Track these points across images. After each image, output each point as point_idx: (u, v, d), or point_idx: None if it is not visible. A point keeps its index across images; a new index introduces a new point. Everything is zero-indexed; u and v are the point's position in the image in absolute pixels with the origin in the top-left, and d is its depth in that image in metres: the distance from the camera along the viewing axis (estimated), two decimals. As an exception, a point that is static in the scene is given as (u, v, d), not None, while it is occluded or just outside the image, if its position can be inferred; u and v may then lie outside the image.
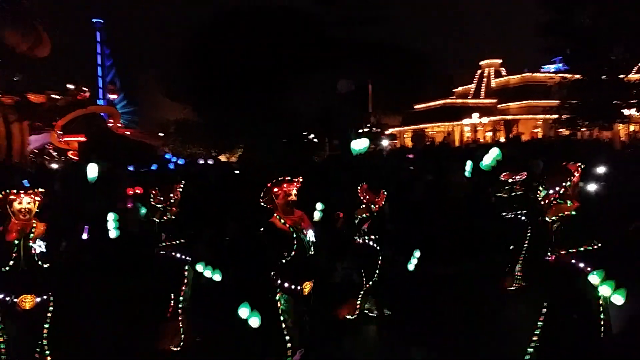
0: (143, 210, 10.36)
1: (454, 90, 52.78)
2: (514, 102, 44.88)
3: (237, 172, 16.64)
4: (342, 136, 26.61)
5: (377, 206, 7.20)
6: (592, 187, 9.51)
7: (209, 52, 33.72)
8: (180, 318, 6.17)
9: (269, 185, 5.12)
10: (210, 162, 17.28)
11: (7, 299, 4.68)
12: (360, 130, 30.70)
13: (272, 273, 5.03)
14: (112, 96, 71.31)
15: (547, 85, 37.80)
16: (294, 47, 32.91)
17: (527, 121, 44.09)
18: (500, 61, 50.45)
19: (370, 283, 7.01)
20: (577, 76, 29.59)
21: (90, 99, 43.00)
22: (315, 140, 35.66)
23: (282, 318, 4.97)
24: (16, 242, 4.71)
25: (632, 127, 36.47)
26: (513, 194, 8.24)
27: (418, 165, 16.27)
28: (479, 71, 50.89)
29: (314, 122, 34.07)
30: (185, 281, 6.28)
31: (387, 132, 46.06)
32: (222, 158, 33.27)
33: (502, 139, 40.32)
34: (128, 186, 10.92)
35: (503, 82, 48.43)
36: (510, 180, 8.19)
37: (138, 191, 10.88)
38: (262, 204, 5.17)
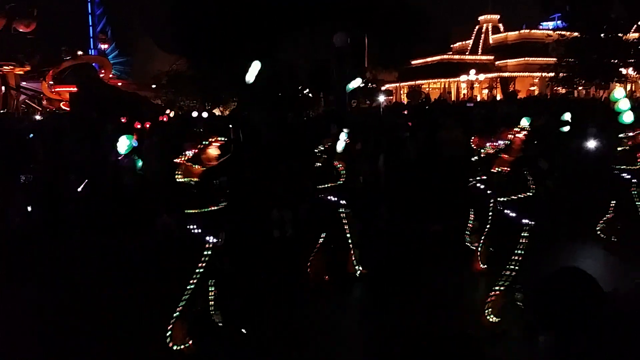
0: (139, 163, 10.32)
1: (451, 45, 52.08)
2: (511, 59, 44.43)
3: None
4: (338, 91, 26.34)
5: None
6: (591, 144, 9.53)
7: (203, 1, 32.95)
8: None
9: None
10: (204, 115, 17.10)
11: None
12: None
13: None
14: (103, 46, 69.92)
15: (545, 43, 37.34)
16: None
17: (524, 79, 43.76)
18: (498, 17, 49.64)
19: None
20: (576, 34, 29.23)
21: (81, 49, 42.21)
22: (310, 95, 35.31)
23: None
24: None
25: (629, 87, 36.27)
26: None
27: (413, 122, 16.15)
28: (477, 27, 50.12)
29: (310, 76, 33.65)
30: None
31: (383, 88, 45.69)
32: (216, 112, 32.95)
33: (499, 97, 40.11)
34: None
35: (501, 39, 47.79)
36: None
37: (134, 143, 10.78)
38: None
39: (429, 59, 47.16)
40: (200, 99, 34.88)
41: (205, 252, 4.81)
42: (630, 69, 29.51)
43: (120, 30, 73.65)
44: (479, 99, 38.34)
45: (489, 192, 6.30)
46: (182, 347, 4.85)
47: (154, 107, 27.21)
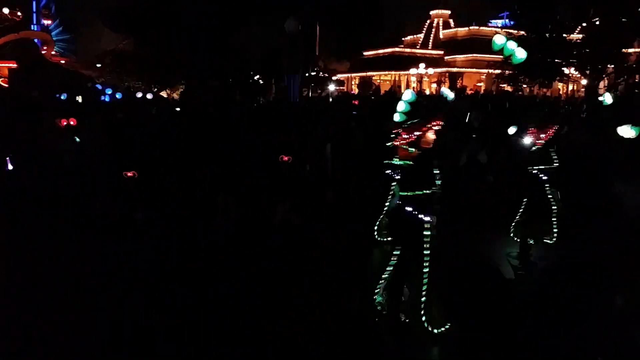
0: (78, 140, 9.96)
1: (403, 39, 52.59)
2: (460, 55, 45.20)
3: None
4: (289, 78, 26.20)
5: None
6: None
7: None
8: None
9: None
10: (149, 96, 16.64)
11: None
12: (307, 74, 30.27)
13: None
14: (47, 22, 67.03)
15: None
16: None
17: (472, 74, 44.66)
18: (449, 12, 50.41)
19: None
20: (522, 32, 30.03)
21: (23, 23, 40.38)
22: (261, 81, 35.00)
23: None
24: None
25: (570, 86, 37.63)
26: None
27: (362, 112, 16.26)
28: (428, 21, 50.79)
29: (261, 62, 33.33)
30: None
31: (334, 78, 45.74)
32: (163, 94, 32.19)
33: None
34: (61, 117, 10.42)
35: (451, 34, 48.59)
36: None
37: (72, 122, 10.42)
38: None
39: (380, 51, 47.49)
40: (146, 80, 33.96)
41: (425, 233, 4.79)
42: (572, 68, 30.58)
43: (64, 6, 70.79)
44: (427, 92, 38.87)
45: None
46: (443, 329, 4.82)
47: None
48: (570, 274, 6.50)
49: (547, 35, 28.70)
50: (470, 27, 46.46)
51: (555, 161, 6.93)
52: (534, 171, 7.00)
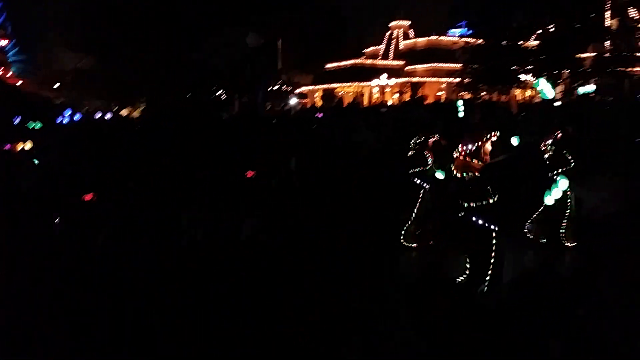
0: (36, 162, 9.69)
1: (364, 51, 53.14)
2: (421, 65, 45.88)
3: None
4: (252, 93, 26.14)
5: None
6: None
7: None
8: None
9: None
10: (108, 116, 16.36)
11: None
12: (270, 88, 30.27)
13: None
14: (3, 42, 65.60)
15: (452, 50, 38.87)
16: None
17: (432, 84, 45.33)
18: (409, 23, 51.19)
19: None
20: (480, 41, 30.67)
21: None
22: (224, 96, 34.78)
23: None
24: None
25: (528, 92, 38.46)
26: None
27: (327, 124, 16.32)
28: (389, 33, 51.46)
29: (223, 77, 33.14)
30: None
31: (297, 91, 45.82)
32: (124, 112, 31.68)
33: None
34: (15, 141, 10.13)
35: (411, 45, 49.31)
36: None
37: (27, 146, 10.14)
38: None
39: (342, 63, 47.87)
40: (106, 99, 33.41)
41: (493, 241, 5.05)
42: (530, 75, 31.29)
43: (21, 25, 69.31)
44: (390, 103, 39.27)
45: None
46: None
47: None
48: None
49: (503, 43, 29.32)
50: (430, 38, 47.25)
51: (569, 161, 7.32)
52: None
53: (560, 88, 31.04)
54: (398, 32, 50.84)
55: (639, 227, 7.85)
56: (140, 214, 8.54)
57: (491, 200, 5.08)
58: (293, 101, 32.99)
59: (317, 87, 50.02)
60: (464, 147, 5.12)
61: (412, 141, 7.80)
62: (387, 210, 9.10)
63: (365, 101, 44.87)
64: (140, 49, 30.64)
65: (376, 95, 46.60)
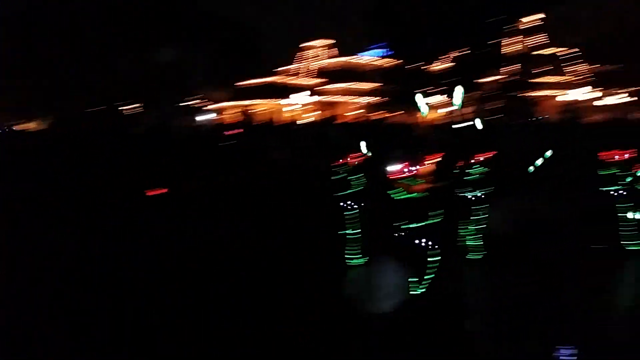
0: None
1: (279, 68, 53.08)
2: (335, 84, 46.40)
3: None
4: (162, 108, 25.15)
5: None
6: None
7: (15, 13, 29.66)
8: None
9: None
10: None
11: None
12: (182, 104, 29.36)
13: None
14: None
15: (367, 70, 39.55)
16: (110, 9, 30.26)
17: (348, 103, 45.88)
18: (325, 42, 51.72)
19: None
20: (393, 63, 31.42)
21: None
22: (132, 111, 33.41)
23: None
24: None
25: (439, 113, 39.68)
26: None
27: (241, 142, 15.84)
28: (304, 51, 51.74)
29: (132, 92, 31.83)
30: None
31: (211, 107, 44.91)
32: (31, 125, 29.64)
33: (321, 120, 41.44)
34: None
35: (326, 64, 49.79)
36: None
37: None
38: None
39: (257, 80, 47.43)
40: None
41: (432, 259, 5.21)
42: (438, 96, 32.34)
43: None
44: (305, 121, 39.24)
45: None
46: None
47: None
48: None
49: (415, 65, 30.17)
50: (345, 58, 47.92)
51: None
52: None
53: (468, 109, 32.31)
54: (314, 52, 51.26)
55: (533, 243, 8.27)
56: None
57: (431, 221, 5.16)
58: (206, 117, 32.13)
59: (232, 103, 49.19)
60: (405, 168, 5.20)
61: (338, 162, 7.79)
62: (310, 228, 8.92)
63: (281, 118, 44.67)
64: (43, 62, 28.96)
65: (291, 113, 46.55)
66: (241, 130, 19.08)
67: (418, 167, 5.24)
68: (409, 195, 5.24)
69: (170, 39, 29.38)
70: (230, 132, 17.26)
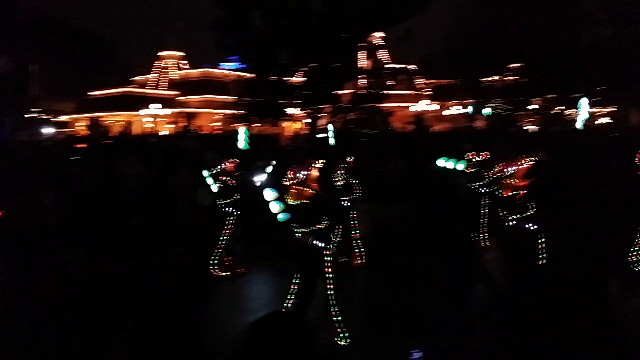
0: None
1: (133, 79, 51.12)
2: (194, 96, 45.74)
3: None
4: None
5: None
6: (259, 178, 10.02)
7: None
8: None
9: None
10: None
11: None
12: (23, 115, 27.18)
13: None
14: None
15: (225, 82, 39.39)
16: None
17: (207, 115, 45.42)
18: (182, 54, 50.77)
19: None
20: (250, 75, 31.63)
21: None
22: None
23: None
24: None
25: (297, 125, 40.62)
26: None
27: (90, 157, 15.03)
28: (161, 62, 50.37)
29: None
30: None
31: (57, 120, 42.03)
32: None
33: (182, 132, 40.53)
34: None
35: (184, 75, 48.94)
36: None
37: None
38: None
39: (110, 91, 45.27)
40: None
41: (325, 259, 5.32)
42: (297, 109, 33.14)
43: None
44: (162, 133, 38.15)
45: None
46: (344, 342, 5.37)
47: None
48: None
49: (271, 78, 30.57)
50: (203, 69, 47.43)
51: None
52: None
53: (322, 121, 33.50)
54: (170, 62, 50.10)
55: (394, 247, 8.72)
56: None
57: (321, 226, 5.30)
58: (50, 130, 30.02)
59: (81, 115, 46.36)
60: (294, 175, 5.34)
61: (214, 170, 7.93)
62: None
63: (135, 131, 42.99)
64: None
65: (147, 125, 45.02)
66: (87, 144, 18.14)
67: (302, 174, 5.39)
68: (295, 202, 5.37)
69: (8, 47, 27.10)
70: (78, 146, 16.37)
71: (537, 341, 5.44)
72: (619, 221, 8.16)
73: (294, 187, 5.35)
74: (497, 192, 6.60)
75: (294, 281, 5.54)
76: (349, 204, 8.06)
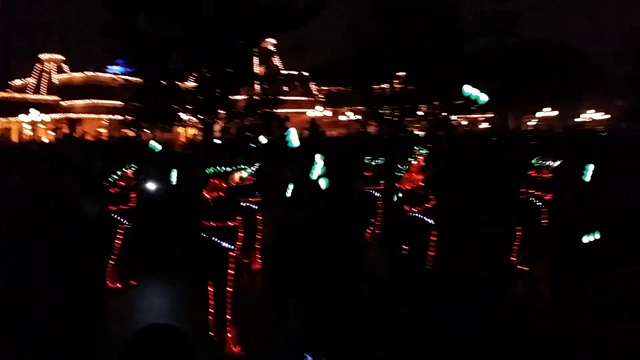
0: None
1: (10, 82, 47.68)
2: (79, 101, 43.58)
3: None
4: None
5: None
6: (150, 185, 9.83)
7: None
8: None
9: None
10: None
11: None
12: None
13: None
14: None
15: (112, 86, 37.83)
16: None
17: (92, 120, 43.38)
18: (62, 57, 48.04)
19: None
20: (139, 80, 30.62)
21: None
22: None
23: None
24: None
25: (192, 130, 39.86)
26: None
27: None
28: (40, 65, 47.35)
29: None
30: None
31: None
32: None
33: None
34: None
35: (66, 79, 46.30)
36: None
37: None
38: None
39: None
40: None
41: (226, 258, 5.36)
42: (190, 114, 32.54)
43: None
44: (45, 140, 35.90)
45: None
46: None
47: None
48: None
49: (161, 83, 29.76)
50: (87, 73, 45.21)
51: None
52: None
53: (217, 127, 33.22)
54: (50, 66, 47.22)
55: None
56: None
57: (232, 223, 5.39)
58: None
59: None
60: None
61: (114, 176, 7.77)
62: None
63: (14, 139, 40.12)
64: None
65: (27, 131, 42.21)
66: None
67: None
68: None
69: None
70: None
71: (422, 334, 5.81)
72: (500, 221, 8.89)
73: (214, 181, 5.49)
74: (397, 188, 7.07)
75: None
76: (255, 206, 8.18)
